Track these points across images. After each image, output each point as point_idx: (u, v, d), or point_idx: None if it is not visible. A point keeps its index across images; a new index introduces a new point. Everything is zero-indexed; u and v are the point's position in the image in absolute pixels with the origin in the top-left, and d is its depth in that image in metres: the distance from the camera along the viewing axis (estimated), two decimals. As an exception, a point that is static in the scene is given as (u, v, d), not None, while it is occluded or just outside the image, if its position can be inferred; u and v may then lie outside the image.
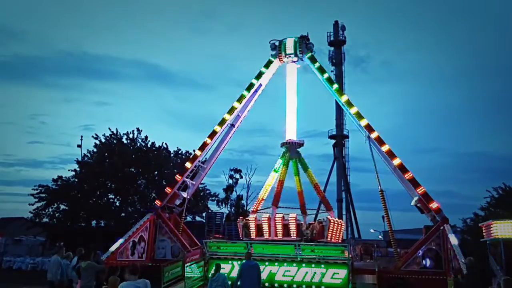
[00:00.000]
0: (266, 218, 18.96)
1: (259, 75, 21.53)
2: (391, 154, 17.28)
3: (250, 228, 19.45)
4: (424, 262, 15.12)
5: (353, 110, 18.91)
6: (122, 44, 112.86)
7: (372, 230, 40.63)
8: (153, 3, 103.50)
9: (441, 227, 15.12)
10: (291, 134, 21.47)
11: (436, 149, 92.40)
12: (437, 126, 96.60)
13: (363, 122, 18.32)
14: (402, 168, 16.88)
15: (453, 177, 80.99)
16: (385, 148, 17.46)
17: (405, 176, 16.63)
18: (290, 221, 18.53)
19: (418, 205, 16.54)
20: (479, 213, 19.67)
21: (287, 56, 21.29)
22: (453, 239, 13.79)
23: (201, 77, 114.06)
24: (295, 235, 18.24)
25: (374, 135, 17.84)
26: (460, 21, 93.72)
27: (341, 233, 20.64)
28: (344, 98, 19.60)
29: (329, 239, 18.65)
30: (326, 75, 20.58)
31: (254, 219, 19.51)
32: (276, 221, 18.68)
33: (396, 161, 17.03)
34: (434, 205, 15.82)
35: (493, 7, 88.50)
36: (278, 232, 18.55)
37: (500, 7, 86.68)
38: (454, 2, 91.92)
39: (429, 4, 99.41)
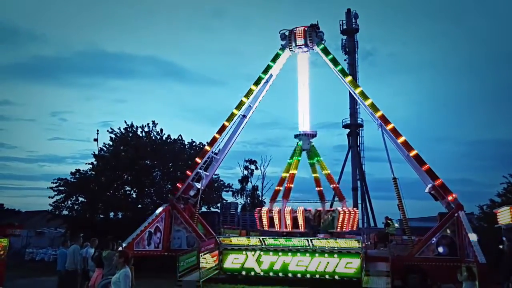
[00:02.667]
0: (277, 211, 19.56)
1: (267, 69, 21.42)
2: (407, 145, 17.17)
3: (263, 220, 20.07)
4: (438, 249, 15.04)
5: (368, 101, 18.78)
6: (138, 42, 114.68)
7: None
8: (167, 2, 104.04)
9: (456, 214, 14.99)
10: (305, 125, 21.51)
11: (449, 138, 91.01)
12: (450, 115, 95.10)
13: (378, 114, 18.19)
14: (419, 159, 16.75)
15: (468, 164, 79.78)
16: (401, 139, 17.38)
17: (422, 167, 16.52)
18: (298, 214, 19.15)
19: (432, 192, 16.41)
20: (495, 200, 19.37)
21: (298, 46, 21.17)
22: (472, 236, 13.47)
23: (214, 73, 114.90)
24: (302, 227, 18.92)
25: (389, 126, 17.81)
26: (469, 11, 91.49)
27: (355, 222, 20.77)
28: (358, 90, 19.39)
29: (339, 229, 18.82)
30: (339, 67, 20.36)
31: (266, 212, 20.08)
32: (286, 214, 19.24)
33: (413, 153, 16.91)
34: (450, 197, 15.65)
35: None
36: (287, 224, 19.19)
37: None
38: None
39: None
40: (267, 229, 19.95)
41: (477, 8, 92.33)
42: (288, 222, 19.15)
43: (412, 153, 16.88)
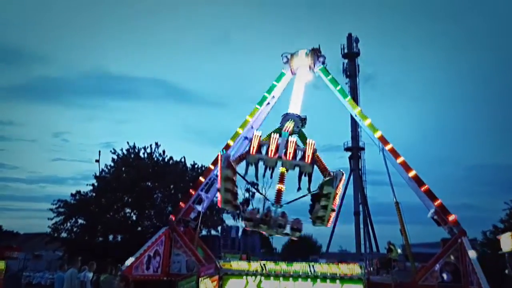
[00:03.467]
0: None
1: (271, 88, 21.65)
2: (406, 166, 17.08)
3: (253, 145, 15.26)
4: (442, 276, 14.77)
5: (367, 121, 18.76)
6: (143, 64, 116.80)
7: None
8: (173, 25, 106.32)
9: (459, 240, 14.79)
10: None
11: (449, 162, 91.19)
12: (450, 139, 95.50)
13: (377, 134, 18.17)
14: (418, 180, 16.66)
15: (468, 189, 79.59)
16: (400, 159, 17.27)
17: (421, 188, 16.37)
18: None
19: (434, 217, 16.23)
20: (498, 226, 19.18)
21: (299, 69, 21.35)
22: (472, 253, 13.45)
23: (218, 95, 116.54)
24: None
25: (388, 146, 17.67)
26: (474, 39, 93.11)
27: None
28: (357, 110, 19.48)
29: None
30: (338, 87, 20.52)
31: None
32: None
33: (412, 173, 16.81)
34: (451, 217, 15.52)
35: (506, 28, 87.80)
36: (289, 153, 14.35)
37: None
38: (465, 19, 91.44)
39: (439, 21, 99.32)
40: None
41: (483, 37, 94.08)
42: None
43: (411, 174, 16.82)
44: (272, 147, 14.39)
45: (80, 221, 24.51)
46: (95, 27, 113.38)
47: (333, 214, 16.07)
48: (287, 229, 14.51)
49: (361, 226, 42.73)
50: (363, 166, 44.33)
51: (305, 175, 15.13)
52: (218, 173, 15.20)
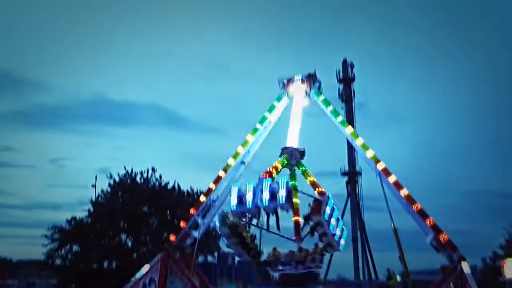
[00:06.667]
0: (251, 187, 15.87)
1: (262, 120, 21.66)
2: (398, 185, 17.14)
3: (232, 198, 16.28)
4: (442, 304, 14.54)
5: (359, 141, 18.84)
6: (140, 90, 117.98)
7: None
8: (171, 53, 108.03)
9: (458, 267, 14.64)
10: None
11: (444, 188, 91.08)
12: (444, 166, 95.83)
13: (369, 153, 18.27)
14: (410, 199, 16.58)
15: (464, 216, 79.15)
16: (392, 179, 17.30)
17: (413, 207, 16.32)
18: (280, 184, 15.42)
19: (433, 243, 16.10)
20: (498, 252, 19.04)
21: (295, 94, 21.56)
22: (472, 280, 13.28)
23: (215, 121, 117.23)
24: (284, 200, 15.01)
25: (381, 166, 17.73)
26: (465, 58, 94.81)
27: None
28: (349, 130, 19.66)
29: None
30: (330, 107, 20.55)
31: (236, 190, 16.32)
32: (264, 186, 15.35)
33: (404, 192, 16.77)
34: (443, 236, 15.38)
35: (502, 41, 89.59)
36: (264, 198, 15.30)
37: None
38: (457, 36, 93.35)
39: (430, 42, 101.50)
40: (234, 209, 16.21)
41: (472, 57, 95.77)
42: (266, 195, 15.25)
43: (404, 193, 16.75)
44: (249, 198, 15.57)
45: (75, 247, 24.11)
46: (92, 54, 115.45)
47: (340, 233, 16.87)
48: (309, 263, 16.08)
49: (360, 252, 42.17)
50: (360, 190, 44.22)
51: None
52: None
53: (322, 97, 20.95)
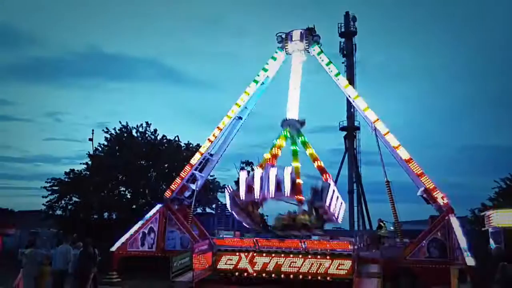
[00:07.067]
0: (258, 176, 16.86)
1: (265, 68, 21.62)
2: (393, 141, 17.55)
3: (240, 187, 17.31)
4: (429, 251, 15.18)
5: (364, 106, 19.01)
6: (138, 45, 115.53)
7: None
8: (167, 7, 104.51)
9: (446, 217, 15.14)
10: (293, 115, 20.30)
11: (441, 143, 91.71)
12: (441, 121, 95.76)
13: (366, 109, 18.50)
14: (409, 161, 16.97)
15: (460, 170, 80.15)
16: (387, 134, 17.62)
17: (413, 170, 16.74)
18: (285, 176, 16.25)
19: (424, 195, 16.56)
20: (487, 204, 19.58)
21: (294, 49, 21.24)
22: (458, 229, 13.81)
23: (212, 76, 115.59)
24: (289, 193, 16.21)
25: (375, 120, 18.02)
26: (465, 19, 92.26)
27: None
28: (347, 86, 19.71)
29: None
30: (336, 72, 20.38)
31: (244, 177, 17.29)
32: (270, 177, 16.30)
33: (404, 154, 17.10)
34: (439, 194, 15.86)
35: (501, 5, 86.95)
36: (271, 190, 16.33)
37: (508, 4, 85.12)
38: (463, 4, 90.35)
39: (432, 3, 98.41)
40: (243, 199, 17.31)
41: (473, 17, 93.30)
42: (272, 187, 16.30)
43: (403, 155, 17.14)
44: (257, 188, 16.71)
45: (74, 199, 24.64)
46: (90, 8, 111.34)
47: (338, 208, 18.04)
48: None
49: (355, 204, 43.25)
50: (358, 145, 44.50)
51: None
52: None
53: (321, 53, 20.66)
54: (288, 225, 17.17)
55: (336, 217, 17.78)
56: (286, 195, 16.29)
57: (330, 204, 16.62)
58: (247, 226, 18.69)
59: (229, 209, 18.68)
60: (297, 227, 16.95)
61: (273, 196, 16.43)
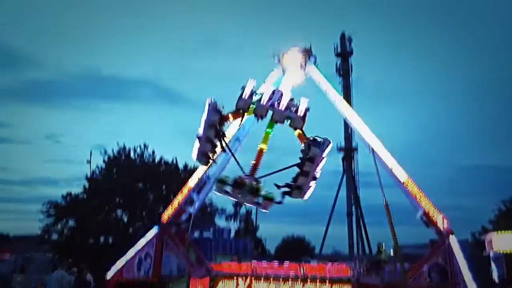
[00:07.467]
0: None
1: (260, 87, 21.54)
2: (391, 163, 17.31)
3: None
4: (430, 276, 14.89)
5: (362, 126, 18.91)
6: (134, 65, 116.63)
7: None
8: (162, 27, 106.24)
9: (446, 241, 14.92)
10: None
11: (439, 163, 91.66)
12: (440, 140, 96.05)
13: (363, 130, 18.39)
14: (407, 182, 16.80)
15: (459, 190, 79.86)
16: (388, 158, 17.44)
17: (411, 191, 16.55)
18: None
19: (423, 218, 16.36)
20: (487, 227, 19.40)
21: (290, 68, 21.30)
22: (459, 254, 13.60)
23: (209, 96, 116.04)
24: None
25: (374, 142, 17.82)
26: (462, 38, 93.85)
27: None
28: (345, 106, 19.68)
29: None
30: (333, 93, 20.39)
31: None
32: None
33: (401, 175, 16.96)
34: (439, 217, 15.67)
35: (498, 25, 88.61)
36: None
37: (504, 25, 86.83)
38: (457, 19, 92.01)
39: (429, 20, 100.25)
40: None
41: (470, 37, 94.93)
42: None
43: (402, 177, 16.95)
44: (265, 96, 14.32)
45: (71, 222, 24.41)
46: (87, 30, 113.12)
47: (314, 185, 14.96)
48: (260, 199, 14.02)
49: (354, 227, 42.86)
50: (356, 167, 44.48)
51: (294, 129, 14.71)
52: (203, 119, 14.59)
53: (317, 72, 20.75)
54: (239, 184, 14.53)
55: (307, 189, 15.36)
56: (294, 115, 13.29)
57: (318, 164, 14.51)
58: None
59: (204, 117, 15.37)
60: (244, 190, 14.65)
61: (283, 108, 14.39)
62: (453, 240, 14.80)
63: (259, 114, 13.98)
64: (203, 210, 25.15)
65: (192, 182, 20.80)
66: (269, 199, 13.80)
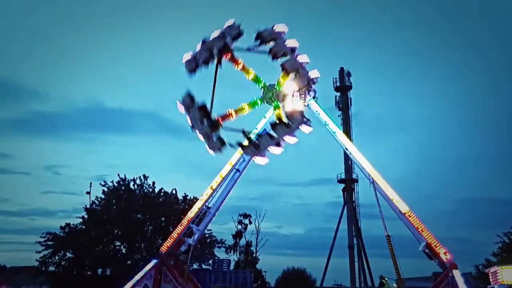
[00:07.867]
0: None
1: (260, 121, 21.77)
2: (392, 195, 17.29)
3: None
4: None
5: (361, 158, 19.02)
6: (137, 99, 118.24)
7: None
8: (166, 58, 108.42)
9: (450, 274, 14.71)
10: None
11: (440, 196, 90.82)
12: (439, 173, 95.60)
13: (363, 162, 18.47)
14: (408, 214, 16.75)
15: (460, 223, 78.85)
16: (388, 190, 17.44)
17: (413, 223, 16.46)
18: None
19: (426, 251, 16.18)
20: (491, 259, 19.13)
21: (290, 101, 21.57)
22: (462, 286, 13.36)
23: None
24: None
25: (374, 174, 17.87)
26: (458, 71, 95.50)
27: None
28: (344, 140, 19.82)
29: None
30: (326, 117, 20.55)
31: None
32: None
33: (402, 207, 16.91)
34: (441, 250, 15.51)
35: (497, 58, 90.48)
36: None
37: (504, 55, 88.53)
38: (455, 54, 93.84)
39: (425, 55, 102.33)
40: None
41: (470, 65, 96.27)
42: None
43: (403, 209, 16.89)
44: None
45: (68, 254, 24.03)
46: (91, 63, 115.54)
47: (275, 151, 14.58)
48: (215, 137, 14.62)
49: (356, 259, 42.08)
50: (357, 198, 44.19)
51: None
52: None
53: (317, 106, 21.01)
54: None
55: (263, 152, 14.46)
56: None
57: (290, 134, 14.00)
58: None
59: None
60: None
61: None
62: (457, 273, 14.60)
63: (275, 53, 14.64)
64: (203, 241, 24.83)
65: (191, 213, 20.71)
66: (221, 140, 14.71)
